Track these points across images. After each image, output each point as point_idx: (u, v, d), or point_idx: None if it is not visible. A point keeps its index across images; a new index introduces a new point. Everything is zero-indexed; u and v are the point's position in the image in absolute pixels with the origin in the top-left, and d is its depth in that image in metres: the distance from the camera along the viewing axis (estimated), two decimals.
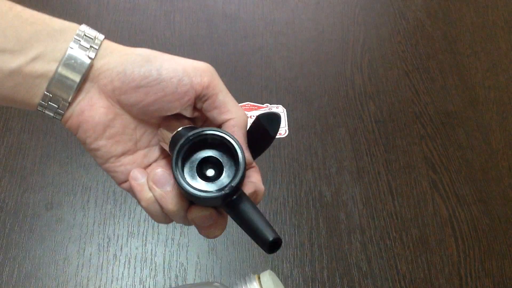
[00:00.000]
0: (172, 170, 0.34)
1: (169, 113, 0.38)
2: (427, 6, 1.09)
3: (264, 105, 0.90)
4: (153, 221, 0.75)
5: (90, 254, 0.71)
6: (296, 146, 0.85)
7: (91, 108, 0.37)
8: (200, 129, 0.36)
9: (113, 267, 0.70)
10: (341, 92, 0.93)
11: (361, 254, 0.73)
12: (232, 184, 0.34)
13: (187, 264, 0.72)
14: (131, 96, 0.37)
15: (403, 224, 0.76)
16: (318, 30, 1.04)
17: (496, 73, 0.98)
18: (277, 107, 0.90)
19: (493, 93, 0.95)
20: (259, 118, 0.39)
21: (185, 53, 0.97)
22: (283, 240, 0.73)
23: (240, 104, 0.90)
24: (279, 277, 0.71)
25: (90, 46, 0.37)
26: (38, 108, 0.37)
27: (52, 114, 0.37)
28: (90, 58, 0.36)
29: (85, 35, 0.37)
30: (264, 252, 0.73)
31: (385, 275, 0.71)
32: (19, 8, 0.36)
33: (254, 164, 0.39)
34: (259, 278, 0.39)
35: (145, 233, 0.73)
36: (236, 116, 0.39)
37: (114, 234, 0.73)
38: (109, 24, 1.00)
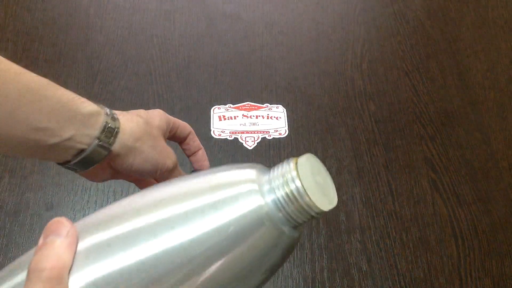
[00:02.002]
0: None
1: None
2: (427, 6, 1.09)
3: (264, 105, 0.90)
4: None
5: None
6: (296, 146, 0.85)
7: (103, 172, 0.51)
8: None
9: None
10: (341, 92, 0.93)
11: (361, 254, 0.73)
12: None
13: None
14: (128, 175, 0.53)
15: (403, 224, 0.76)
16: (318, 30, 1.03)
17: (496, 73, 0.98)
18: (277, 107, 0.90)
19: (493, 93, 0.95)
20: None
21: (185, 53, 0.97)
22: None
23: (240, 104, 0.91)
24: (278, 277, 0.71)
25: (111, 136, 0.48)
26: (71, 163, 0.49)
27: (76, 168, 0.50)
28: (110, 148, 0.48)
29: (108, 127, 0.48)
30: None
31: (385, 275, 0.71)
32: (60, 91, 0.46)
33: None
34: (296, 162, 0.38)
35: None
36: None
37: None
38: (109, 24, 1.00)
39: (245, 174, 0.35)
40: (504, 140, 0.88)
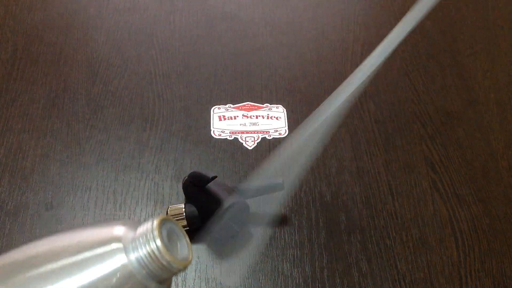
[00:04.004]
0: None
1: None
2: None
3: (264, 105, 0.90)
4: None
5: None
6: None
7: None
8: None
9: None
10: None
11: (361, 254, 0.73)
12: None
13: None
14: None
15: (403, 224, 0.76)
16: (318, 30, 1.03)
17: (496, 73, 0.98)
18: (277, 107, 0.90)
19: (493, 93, 0.95)
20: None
21: (185, 53, 0.97)
22: (283, 240, 0.74)
23: (240, 104, 0.91)
24: (279, 277, 0.71)
25: None
26: None
27: None
28: None
29: None
30: (263, 252, 0.73)
31: (385, 275, 0.71)
32: None
33: None
34: (160, 221, 0.38)
35: None
36: None
37: None
38: (109, 24, 1.00)
39: (112, 232, 0.35)
40: (504, 140, 0.88)
